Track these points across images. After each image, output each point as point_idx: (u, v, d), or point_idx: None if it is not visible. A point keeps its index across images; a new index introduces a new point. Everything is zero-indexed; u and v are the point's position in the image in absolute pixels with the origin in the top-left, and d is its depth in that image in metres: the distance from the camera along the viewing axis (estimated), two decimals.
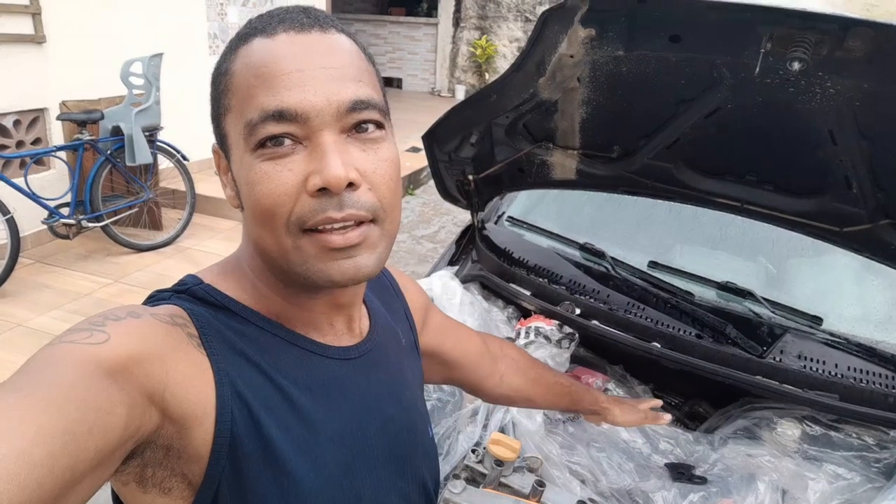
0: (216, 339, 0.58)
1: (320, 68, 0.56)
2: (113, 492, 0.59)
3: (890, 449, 1.41)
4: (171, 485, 0.54)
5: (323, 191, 0.55)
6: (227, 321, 0.61)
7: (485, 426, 1.43)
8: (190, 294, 0.62)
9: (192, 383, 0.54)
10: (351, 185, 0.56)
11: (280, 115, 0.55)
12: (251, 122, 0.56)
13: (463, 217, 5.37)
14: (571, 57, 1.25)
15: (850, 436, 1.44)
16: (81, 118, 3.80)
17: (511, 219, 2.03)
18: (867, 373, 1.46)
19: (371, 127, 0.59)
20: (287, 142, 0.56)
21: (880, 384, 1.43)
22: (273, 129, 0.55)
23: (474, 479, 1.27)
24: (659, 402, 1.28)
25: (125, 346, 0.50)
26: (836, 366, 1.47)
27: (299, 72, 0.56)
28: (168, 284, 0.65)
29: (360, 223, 0.58)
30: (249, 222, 0.60)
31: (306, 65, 0.56)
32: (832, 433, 1.45)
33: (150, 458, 0.53)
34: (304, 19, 0.58)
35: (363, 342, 0.71)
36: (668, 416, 1.27)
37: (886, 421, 1.39)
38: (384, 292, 0.85)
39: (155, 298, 0.62)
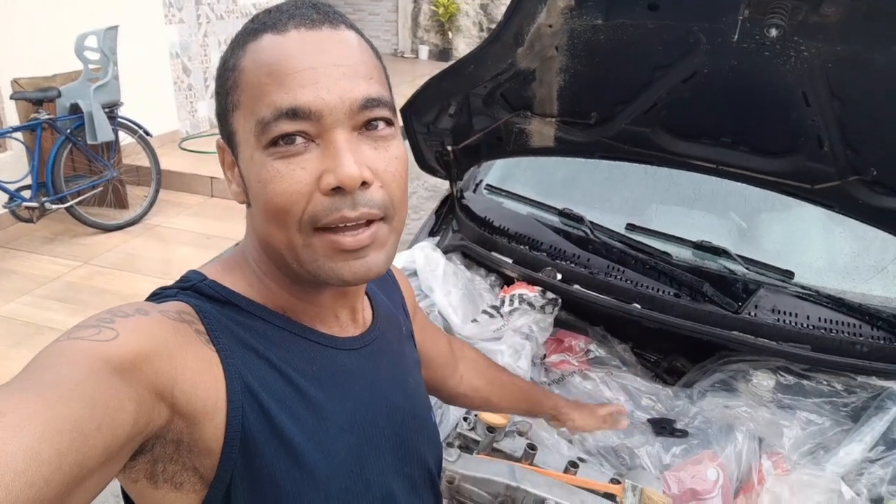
0: (224, 334, 0.58)
1: (333, 65, 0.56)
2: (123, 492, 0.59)
3: (857, 393, 1.49)
4: (183, 479, 0.55)
5: (337, 189, 0.56)
6: (235, 316, 0.61)
7: None
8: (195, 290, 0.62)
9: (202, 379, 0.54)
10: (364, 183, 0.56)
11: (294, 114, 0.55)
12: (263, 119, 0.56)
13: (434, 182, 5.35)
14: (550, 27, 1.25)
15: (820, 383, 1.52)
16: (37, 97, 3.65)
17: (489, 186, 2.04)
18: (836, 323, 1.52)
19: (381, 124, 0.59)
20: (299, 140, 0.56)
21: (848, 333, 1.50)
22: (286, 127, 0.55)
23: (467, 447, 1.30)
24: (618, 408, 1.26)
25: (133, 343, 0.50)
26: (808, 318, 1.54)
27: (312, 69, 0.55)
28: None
29: (371, 221, 0.58)
30: (258, 219, 0.60)
31: (318, 62, 0.56)
32: (804, 382, 1.53)
33: (160, 453, 0.53)
34: (314, 15, 0.58)
35: (367, 332, 0.73)
36: (625, 422, 1.28)
37: (854, 367, 1.47)
38: (385, 283, 0.86)
39: (160, 295, 0.62)
